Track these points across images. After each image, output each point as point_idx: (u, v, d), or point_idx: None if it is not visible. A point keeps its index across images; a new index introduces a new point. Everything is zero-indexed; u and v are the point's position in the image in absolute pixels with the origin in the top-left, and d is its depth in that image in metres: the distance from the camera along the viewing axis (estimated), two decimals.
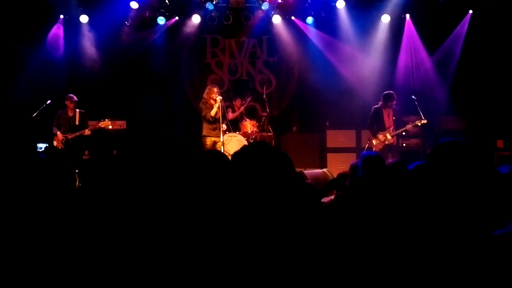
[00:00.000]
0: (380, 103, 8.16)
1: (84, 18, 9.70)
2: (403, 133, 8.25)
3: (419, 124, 7.99)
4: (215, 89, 8.17)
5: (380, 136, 8.08)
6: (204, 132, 8.23)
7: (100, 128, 8.35)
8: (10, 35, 9.32)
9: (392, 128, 8.06)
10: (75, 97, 8.33)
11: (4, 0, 9.17)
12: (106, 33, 9.80)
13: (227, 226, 1.90)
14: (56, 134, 8.24)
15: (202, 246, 1.88)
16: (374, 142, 8.10)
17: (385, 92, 8.19)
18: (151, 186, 2.14)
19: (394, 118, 8.08)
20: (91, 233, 2.07)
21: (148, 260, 1.89)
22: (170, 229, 1.93)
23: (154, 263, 1.88)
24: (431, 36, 9.94)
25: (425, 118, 8.02)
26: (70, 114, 8.31)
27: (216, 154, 2.38)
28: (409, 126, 8.02)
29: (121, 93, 9.91)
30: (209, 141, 8.20)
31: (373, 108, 8.21)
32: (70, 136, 8.20)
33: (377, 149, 7.96)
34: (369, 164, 3.83)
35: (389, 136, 8.03)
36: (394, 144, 8.16)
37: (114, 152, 8.70)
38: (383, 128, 8.09)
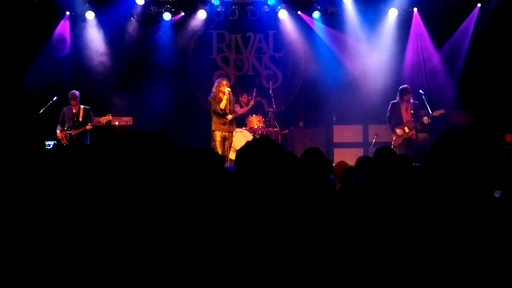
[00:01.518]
0: (397, 98, 8.19)
1: (90, 15, 9.72)
2: (422, 127, 8.19)
3: (437, 115, 8.01)
4: (224, 82, 8.09)
5: (398, 131, 8.09)
6: (214, 127, 8.11)
7: (107, 124, 8.36)
8: (17, 33, 9.35)
9: (410, 121, 8.06)
10: (76, 93, 8.32)
11: None
12: (112, 29, 9.84)
13: (229, 225, 1.88)
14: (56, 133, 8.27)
15: (205, 246, 1.86)
16: (393, 137, 8.14)
17: (400, 87, 8.22)
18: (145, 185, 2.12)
19: (412, 112, 8.06)
20: (89, 230, 2.06)
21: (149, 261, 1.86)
22: (169, 229, 1.90)
23: (156, 265, 1.86)
24: (439, 30, 9.85)
25: (433, 112, 8.04)
26: (74, 110, 8.30)
27: (207, 152, 2.37)
28: (425, 119, 8.02)
29: (127, 89, 9.92)
30: (218, 135, 8.08)
31: (390, 103, 8.26)
32: (74, 133, 8.20)
33: (397, 144, 8.00)
34: (381, 157, 3.82)
35: (407, 130, 8.04)
36: (413, 137, 8.14)
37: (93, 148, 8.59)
38: (400, 122, 8.12)
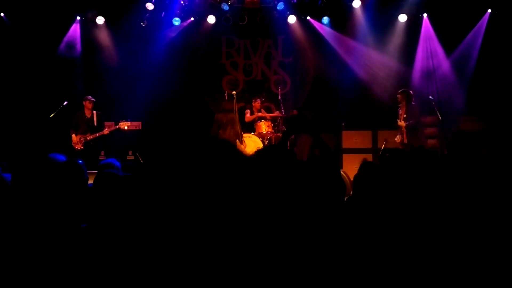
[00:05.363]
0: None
1: (100, 20, 9.79)
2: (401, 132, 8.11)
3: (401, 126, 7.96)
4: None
5: (397, 137, 8.08)
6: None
7: (118, 128, 8.36)
8: (28, 37, 9.45)
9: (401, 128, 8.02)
10: (93, 98, 8.35)
11: (22, 3, 9.31)
12: (122, 34, 9.89)
13: (240, 227, 1.88)
14: (71, 136, 8.24)
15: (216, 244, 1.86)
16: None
17: None
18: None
19: (405, 115, 7.96)
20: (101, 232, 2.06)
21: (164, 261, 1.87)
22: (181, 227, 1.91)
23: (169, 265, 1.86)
24: (449, 36, 9.80)
25: (442, 118, 7.97)
26: (88, 115, 8.27)
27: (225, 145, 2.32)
28: (398, 122, 8.02)
29: (137, 93, 9.95)
30: None
31: None
32: (89, 137, 8.16)
33: None
34: (389, 163, 3.79)
35: (398, 135, 8.00)
36: (405, 141, 7.95)
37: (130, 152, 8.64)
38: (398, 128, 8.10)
